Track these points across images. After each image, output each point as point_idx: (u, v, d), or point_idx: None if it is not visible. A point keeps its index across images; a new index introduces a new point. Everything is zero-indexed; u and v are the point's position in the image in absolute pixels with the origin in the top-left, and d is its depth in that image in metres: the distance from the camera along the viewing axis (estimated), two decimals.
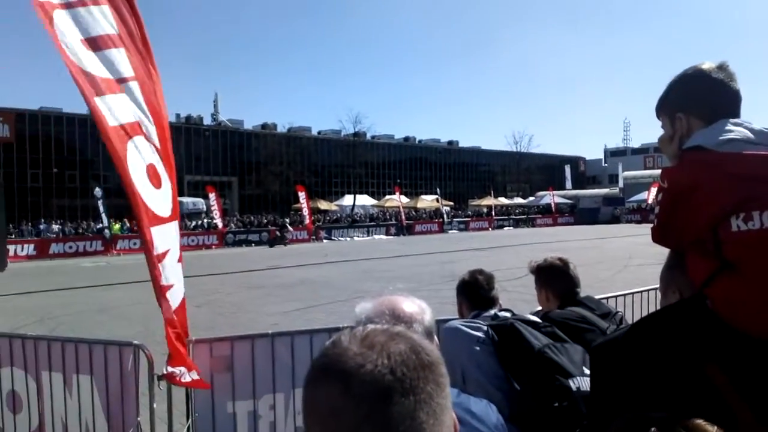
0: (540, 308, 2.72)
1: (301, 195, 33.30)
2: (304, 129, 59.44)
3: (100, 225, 28.57)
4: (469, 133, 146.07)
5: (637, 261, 15.97)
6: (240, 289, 13.70)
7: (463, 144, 69.29)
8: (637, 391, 1.26)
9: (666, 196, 1.38)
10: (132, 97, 3.01)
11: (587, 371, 1.62)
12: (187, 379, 3.20)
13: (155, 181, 3.02)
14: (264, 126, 57.83)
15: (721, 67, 1.39)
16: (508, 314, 1.99)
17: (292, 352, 3.63)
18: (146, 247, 3.01)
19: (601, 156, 75.63)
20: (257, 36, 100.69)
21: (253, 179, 53.45)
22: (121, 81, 2.99)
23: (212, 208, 31.38)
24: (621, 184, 48.92)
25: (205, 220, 33.90)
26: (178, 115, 53.20)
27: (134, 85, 3.03)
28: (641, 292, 5.45)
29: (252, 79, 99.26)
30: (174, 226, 3.16)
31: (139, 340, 3.51)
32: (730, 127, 1.31)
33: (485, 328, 1.89)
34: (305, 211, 33.31)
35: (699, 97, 1.39)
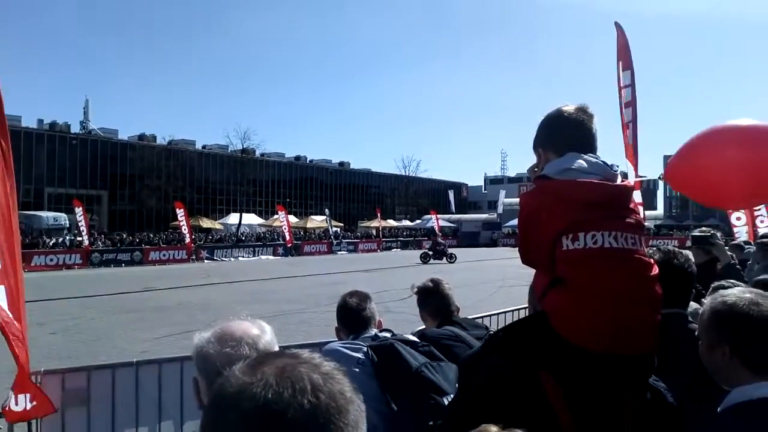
0: (420, 327, 2.82)
1: (180, 212, 31.22)
2: (187, 142, 56.41)
3: None
4: (361, 155, 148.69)
5: (511, 282, 17.15)
6: (106, 313, 12.45)
7: (354, 166, 70.30)
8: (491, 400, 1.32)
9: (520, 219, 1.53)
10: None
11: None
12: (27, 407, 2.79)
13: None
14: (141, 137, 53.96)
15: (580, 109, 1.55)
16: (388, 334, 2.00)
17: (159, 382, 3.34)
18: None
19: (482, 183, 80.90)
20: (137, 40, 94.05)
21: (126, 194, 49.37)
22: None
23: (79, 224, 28.29)
24: (501, 209, 52.61)
25: (68, 238, 30.57)
26: (40, 121, 47.85)
27: None
28: (513, 311, 5.86)
29: (130, 87, 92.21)
30: None
31: None
32: (571, 159, 1.47)
33: (365, 349, 1.87)
34: (185, 230, 31.30)
35: (554, 135, 1.56)
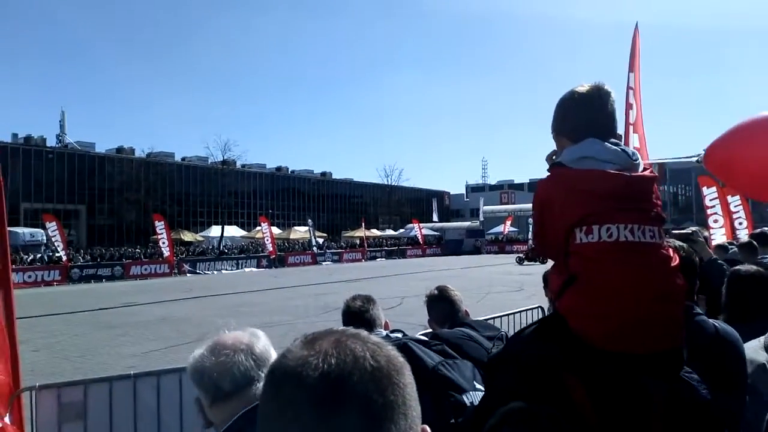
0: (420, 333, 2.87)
1: (159, 225, 30.73)
2: (166, 154, 55.77)
3: None
4: (342, 165, 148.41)
5: (498, 288, 17.26)
6: (89, 329, 12.18)
7: (336, 176, 70.20)
8: (516, 398, 1.31)
9: (534, 209, 1.47)
10: None
11: (478, 386, 1.67)
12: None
13: None
14: (119, 150, 53.21)
15: (594, 87, 1.46)
16: (399, 334, 2.00)
17: (158, 395, 3.29)
18: None
19: (464, 191, 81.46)
20: (114, 52, 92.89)
21: (105, 208, 48.53)
22: None
23: (53, 240, 27.63)
24: (482, 217, 52.97)
25: (46, 254, 29.86)
26: (15, 135, 46.91)
27: None
28: (502, 316, 5.89)
29: (107, 99, 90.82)
30: None
31: None
32: (589, 146, 1.40)
33: None
34: (164, 243, 30.80)
35: (567, 119, 1.47)
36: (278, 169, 64.85)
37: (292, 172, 66.30)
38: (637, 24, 6.07)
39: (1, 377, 2.75)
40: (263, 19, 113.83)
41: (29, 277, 25.28)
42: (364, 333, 0.65)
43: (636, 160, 1.41)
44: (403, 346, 1.83)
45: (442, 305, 2.46)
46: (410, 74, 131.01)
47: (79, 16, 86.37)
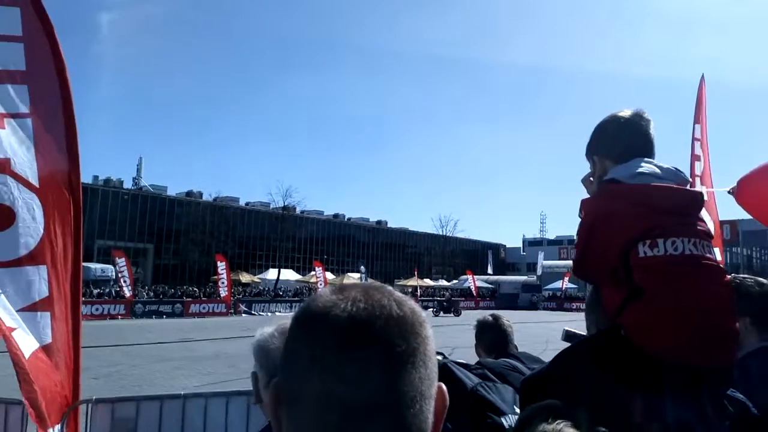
0: None
1: (221, 265, 31.80)
2: (231, 199, 58.42)
3: None
4: (398, 215, 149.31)
5: (555, 344, 16.48)
6: (146, 361, 12.60)
7: (391, 224, 70.75)
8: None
9: (584, 226, 1.46)
10: (15, 134, 2.97)
11: (518, 410, 1.62)
12: None
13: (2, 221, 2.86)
14: (189, 193, 56.28)
15: (636, 114, 1.52)
16: (439, 357, 1.98)
17: (204, 417, 3.35)
18: None
19: (520, 245, 79.69)
20: (189, 102, 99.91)
21: (171, 248, 51.00)
22: (12, 117, 2.98)
23: (120, 276, 29.16)
24: (540, 272, 51.36)
25: (114, 289, 31.50)
26: (96, 177, 50.74)
27: (27, 122, 3.02)
28: None
29: (181, 146, 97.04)
30: (15, 273, 2.92)
31: None
32: (640, 163, 1.43)
33: None
34: (223, 282, 31.76)
35: (609, 142, 1.52)
36: (335, 216, 66.19)
37: (349, 219, 67.43)
38: (702, 76, 6.03)
39: (56, 389, 2.90)
40: (327, 75, 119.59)
41: (96, 309, 26.61)
42: (389, 287, 0.67)
43: (686, 178, 1.45)
44: (443, 367, 1.81)
45: (494, 333, 2.41)
46: (470, 127, 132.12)
47: (152, 75, 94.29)
